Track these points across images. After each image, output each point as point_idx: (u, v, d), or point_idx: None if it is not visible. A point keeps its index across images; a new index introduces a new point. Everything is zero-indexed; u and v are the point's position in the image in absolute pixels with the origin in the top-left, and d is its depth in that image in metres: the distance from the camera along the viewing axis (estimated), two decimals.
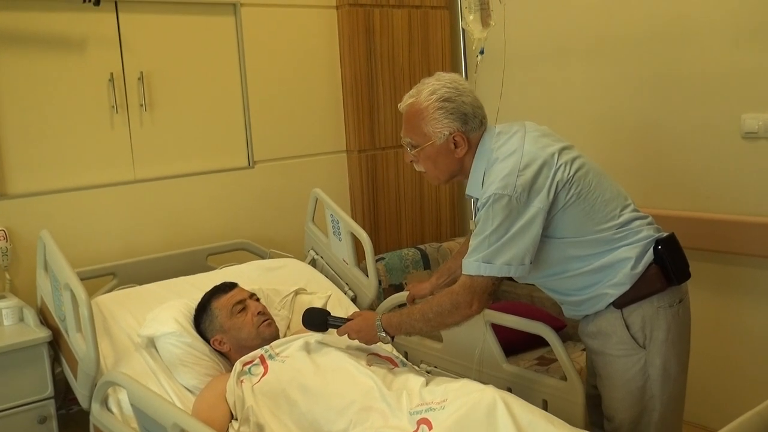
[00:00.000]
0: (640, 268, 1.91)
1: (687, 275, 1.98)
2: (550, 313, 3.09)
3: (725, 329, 2.81)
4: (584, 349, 2.84)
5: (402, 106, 2.02)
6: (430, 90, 1.95)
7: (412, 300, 2.46)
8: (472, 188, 2.02)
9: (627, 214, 1.97)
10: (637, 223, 1.97)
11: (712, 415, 2.85)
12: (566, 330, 2.95)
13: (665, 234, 1.98)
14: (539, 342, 2.77)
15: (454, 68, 3.63)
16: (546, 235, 1.91)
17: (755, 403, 2.67)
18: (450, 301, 1.93)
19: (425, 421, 1.76)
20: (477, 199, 2.00)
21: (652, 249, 1.93)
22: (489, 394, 1.71)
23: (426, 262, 3.31)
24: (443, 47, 3.58)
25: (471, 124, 1.96)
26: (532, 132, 1.99)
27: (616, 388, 1.98)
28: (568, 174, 1.90)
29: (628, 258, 1.92)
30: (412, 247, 3.35)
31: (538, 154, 1.90)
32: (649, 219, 2.02)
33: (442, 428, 1.67)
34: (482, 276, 1.88)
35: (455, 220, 3.73)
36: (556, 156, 1.91)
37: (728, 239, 2.73)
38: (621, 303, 1.93)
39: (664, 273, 1.92)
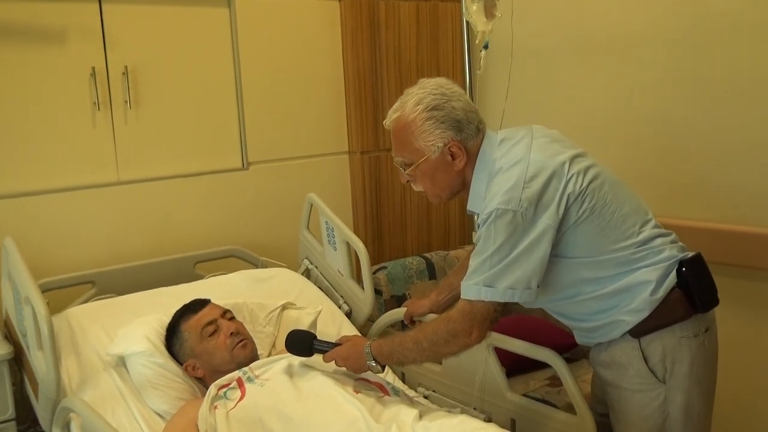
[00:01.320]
0: (661, 292, 1.72)
1: (715, 302, 1.79)
2: (561, 329, 2.89)
3: (754, 355, 2.58)
4: None
5: (387, 122, 1.86)
6: (414, 100, 1.78)
7: (410, 318, 2.30)
8: (473, 203, 1.82)
9: (647, 231, 1.77)
10: (659, 241, 1.77)
11: None
12: (578, 348, 2.76)
13: (690, 254, 1.79)
14: None
15: (465, 64, 3.44)
16: (555, 254, 1.71)
17: None
18: (446, 328, 1.74)
19: None
20: (479, 215, 1.80)
21: (675, 271, 1.74)
22: None
23: (431, 272, 3.12)
24: (454, 42, 3.38)
25: (467, 131, 1.77)
26: (540, 138, 1.79)
27: (632, 426, 1.80)
28: (581, 186, 1.70)
29: (648, 281, 1.72)
30: (417, 256, 3.17)
31: (547, 164, 1.70)
32: (673, 237, 1.82)
33: None
34: (483, 301, 1.69)
35: (465, 226, 3.54)
36: (566, 165, 1.72)
37: (759, 254, 2.50)
38: (639, 331, 1.74)
39: (688, 298, 1.73)
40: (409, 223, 3.35)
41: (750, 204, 2.56)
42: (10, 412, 2.07)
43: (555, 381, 2.68)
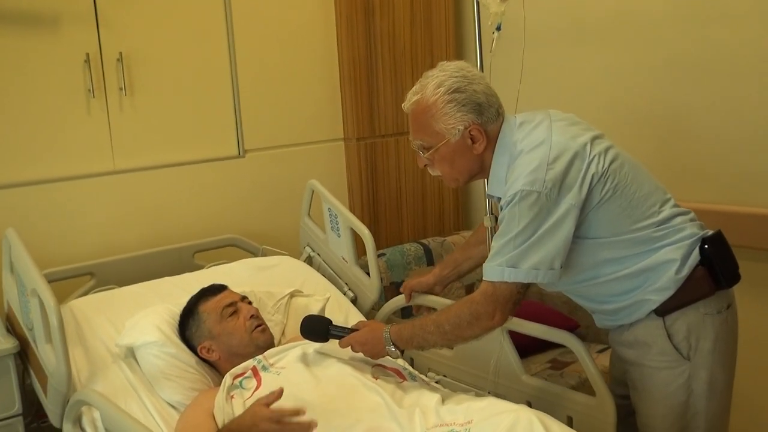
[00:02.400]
0: (686, 270, 1.72)
1: (737, 277, 1.79)
2: (561, 313, 2.91)
3: (756, 333, 2.60)
4: (601, 351, 2.68)
5: (406, 105, 1.81)
6: (436, 83, 1.74)
7: (410, 293, 2.26)
8: (493, 187, 1.81)
9: (667, 210, 1.77)
10: (680, 219, 1.77)
11: (758, 428, 2.67)
12: (580, 330, 2.77)
13: (711, 231, 1.79)
14: (550, 342, 2.58)
15: (459, 51, 3.45)
16: (578, 235, 1.70)
17: None
18: (469, 311, 1.72)
19: None
20: (499, 199, 1.78)
21: (698, 249, 1.73)
22: (524, 415, 1.49)
23: (429, 258, 3.11)
24: (447, 28, 3.37)
25: (487, 114, 1.75)
26: (559, 121, 1.78)
27: (656, 404, 1.79)
28: (603, 166, 1.69)
29: (673, 260, 1.72)
30: (415, 242, 3.16)
31: (569, 145, 1.69)
32: (692, 215, 1.82)
33: None
34: (506, 282, 1.68)
35: (459, 212, 3.53)
36: (588, 146, 1.71)
37: (762, 234, 2.53)
38: (664, 310, 1.74)
39: (712, 276, 1.73)
40: (405, 209, 3.33)
41: (758, 186, 2.57)
42: (17, 407, 2.02)
43: (557, 364, 2.69)
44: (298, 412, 1.59)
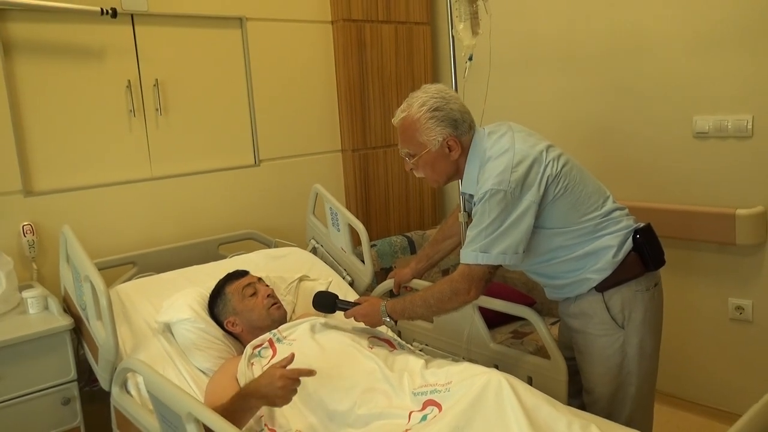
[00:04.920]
0: (621, 255, 1.73)
1: (663, 262, 1.79)
2: (521, 292, 2.91)
3: (677, 307, 2.63)
4: (553, 323, 2.68)
5: (395, 120, 1.79)
6: (420, 102, 1.73)
7: (398, 285, 2.26)
8: (467, 185, 1.80)
9: (608, 206, 1.78)
10: (617, 213, 1.78)
11: (679, 384, 2.71)
12: (536, 306, 2.77)
13: (642, 224, 1.79)
14: (512, 317, 2.58)
15: (435, 77, 3.44)
16: (536, 226, 1.70)
17: (708, 368, 2.50)
18: (450, 288, 1.72)
19: (433, 403, 1.53)
20: (471, 195, 1.78)
21: (631, 238, 1.74)
22: (495, 377, 1.49)
23: (412, 248, 3.10)
24: (425, 58, 3.36)
25: (461, 128, 1.75)
26: (519, 132, 1.78)
27: (596, 365, 1.80)
28: (556, 169, 1.70)
29: (611, 246, 1.72)
30: (400, 235, 3.14)
31: (529, 152, 1.69)
32: (627, 210, 1.83)
33: (455, 411, 1.43)
34: (479, 265, 1.68)
35: (436, 209, 3.52)
36: (544, 153, 1.71)
37: (678, 226, 2.55)
38: (602, 287, 1.74)
39: (642, 260, 1.74)
40: (391, 208, 3.31)
41: (671, 187, 2.60)
42: (73, 373, 1.99)
43: (517, 334, 2.68)
44: (310, 373, 1.58)
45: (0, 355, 1.86)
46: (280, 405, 1.54)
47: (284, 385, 1.52)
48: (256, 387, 1.58)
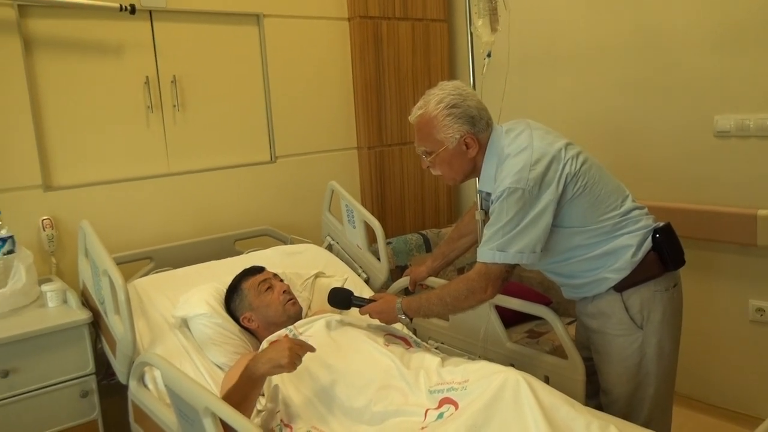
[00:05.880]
0: (640, 255, 1.71)
1: (682, 262, 1.78)
2: (537, 291, 2.90)
3: (697, 308, 2.61)
4: (569, 323, 2.67)
5: (412, 118, 1.79)
6: (437, 99, 1.73)
7: (414, 283, 2.27)
8: (484, 183, 1.80)
9: (627, 205, 1.77)
10: (636, 212, 1.77)
11: (699, 386, 2.69)
12: (552, 306, 2.76)
13: (662, 223, 1.78)
14: (528, 316, 2.57)
15: (452, 74, 3.43)
16: (554, 225, 1.69)
17: (728, 370, 2.47)
18: (466, 286, 1.72)
19: (449, 401, 1.53)
20: (488, 194, 1.78)
21: (650, 237, 1.73)
22: (512, 376, 1.48)
23: (428, 246, 3.09)
24: (442, 55, 3.36)
25: (479, 125, 1.74)
26: (538, 129, 1.77)
27: (614, 365, 1.79)
28: (575, 168, 1.69)
29: (630, 245, 1.71)
30: (416, 233, 3.13)
31: (548, 150, 1.68)
32: (646, 209, 1.82)
33: (472, 409, 1.43)
34: (496, 263, 1.67)
35: (451, 208, 3.52)
36: (563, 151, 1.70)
37: (698, 226, 2.53)
38: (621, 287, 1.73)
39: (661, 259, 1.72)
40: (407, 206, 3.31)
41: (693, 187, 2.58)
42: (91, 367, 2.01)
43: (533, 333, 2.67)
44: (311, 348, 1.62)
45: (19, 347, 1.88)
46: (284, 367, 1.55)
47: (290, 347, 1.56)
48: (263, 352, 1.62)
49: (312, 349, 1.62)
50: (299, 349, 1.58)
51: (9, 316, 2.00)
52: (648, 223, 1.75)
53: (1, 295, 2.01)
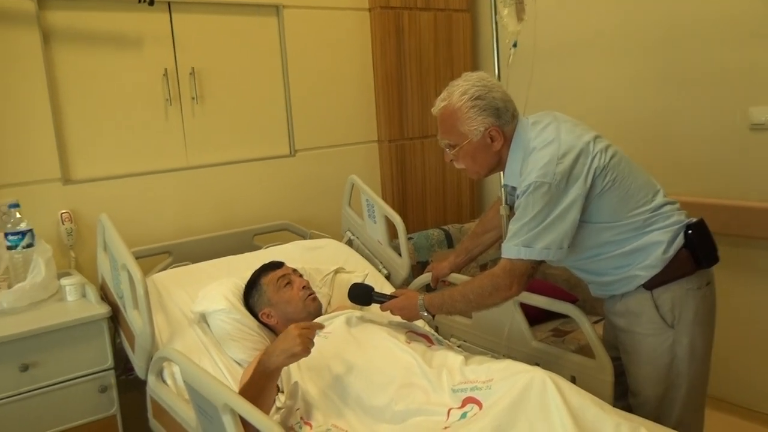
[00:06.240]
0: (671, 251, 1.69)
1: (716, 259, 1.75)
2: (563, 289, 2.87)
3: (732, 307, 2.56)
4: (596, 322, 2.64)
5: (435, 110, 1.77)
6: (461, 91, 1.71)
7: (436, 279, 2.26)
8: (509, 177, 1.78)
9: (658, 200, 1.74)
10: (668, 208, 1.74)
11: (734, 389, 2.64)
12: (578, 304, 2.72)
13: (694, 219, 1.75)
14: (553, 314, 2.54)
15: (475, 65, 3.41)
16: (582, 220, 1.67)
17: (763, 372, 2.43)
18: (490, 283, 1.70)
19: (473, 400, 1.52)
20: (513, 188, 1.76)
21: (682, 233, 1.70)
22: (539, 375, 1.46)
23: (449, 241, 3.08)
24: (465, 46, 3.33)
25: (504, 117, 1.72)
26: (565, 122, 1.75)
27: (644, 365, 1.76)
28: (604, 161, 1.66)
29: (660, 242, 1.69)
30: (437, 228, 3.12)
31: (575, 143, 1.66)
32: (678, 205, 1.78)
33: (497, 409, 1.42)
34: (522, 260, 1.65)
35: (474, 203, 3.49)
36: (591, 144, 1.68)
37: (732, 222, 2.48)
38: (651, 285, 1.70)
39: (693, 257, 1.69)
40: (428, 200, 3.30)
41: (726, 182, 2.53)
42: (110, 362, 2.02)
43: (558, 332, 2.65)
44: (320, 326, 1.67)
45: (38, 341, 1.90)
46: (298, 355, 1.57)
47: (301, 333, 1.57)
48: (274, 345, 1.63)
49: (321, 327, 1.65)
50: (309, 332, 1.59)
51: (28, 310, 2.03)
52: (680, 218, 1.72)
53: (21, 289, 2.04)
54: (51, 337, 1.92)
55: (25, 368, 1.89)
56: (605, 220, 1.68)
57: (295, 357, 1.57)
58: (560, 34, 2.98)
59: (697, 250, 1.69)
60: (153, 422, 1.95)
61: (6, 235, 2.11)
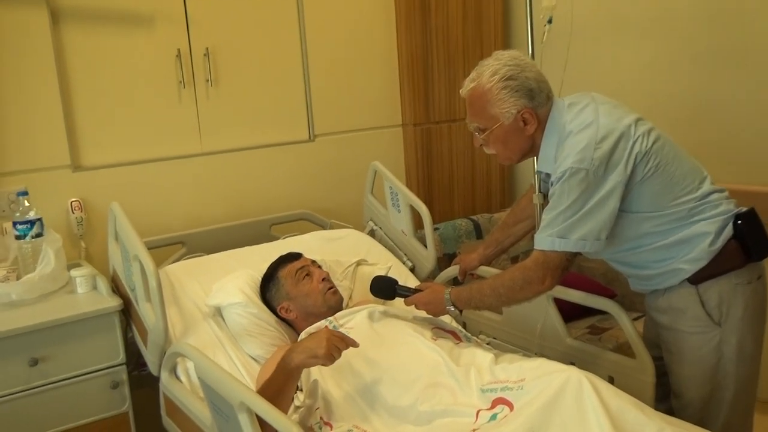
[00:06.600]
0: (719, 243, 1.66)
1: (767, 251, 1.71)
2: (600, 283, 2.84)
3: None
4: (637, 318, 2.62)
5: (464, 91, 1.76)
6: (491, 71, 1.69)
7: (464, 272, 2.25)
8: (543, 164, 1.76)
9: (705, 187, 1.71)
10: (716, 196, 1.71)
11: None
12: (617, 299, 2.70)
13: (745, 208, 1.72)
14: (589, 310, 2.52)
15: (506, 44, 3.37)
16: (621, 209, 1.65)
17: None
18: (522, 276, 1.69)
19: (503, 401, 1.51)
20: (547, 175, 1.74)
21: (731, 224, 1.67)
22: (575, 375, 1.45)
23: (478, 232, 3.06)
24: (495, 23, 3.30)
25: (538, 99, 1.70)
26: (604, 104, 1.72)
27: (688, 365, 1.74)
28: (646, 146, 1.64)
29: (707, 233, 1.66)
30: (465, 218, 3.11)
31: (615, 126, 1.64)
32: (726, 193, 1.76)
33: (529, 411, 1.41)
34: (556, 251, 1.64)
35: (504, 191, 3.47)
36: (632, 127, 1.65)
37: None
38: (697, 279, 1.68)
39: (743, 248, 1.66)
40: (456, 188, 3.29)
41: None
42: (121, 357, 2.05)
43: (595, 329, 2.63)
44: (354, 343, 1.62)
45: (48, 335, 1.93)
46: (319, 358, 1.56)
47: (329, 338, 1.57)
48: (300, 342, 1.63)
49: (355, 344, 1.62)
50: (338, 342, 1.58)
51: (37, 302, 2.06)
52: (729, 208, 1.70)
53: (30, 281, 2.07)
54: (61, 331, 1.95)
55: (34, 363, 1.92)
56: (647, 210, 1.66)
57: (316, 359, 1.57)
58: (599, 9, 2.93)
59: (747, 241, 1.66)
60: (166, 420, 1.97)
61: (14, 224, 2.14)
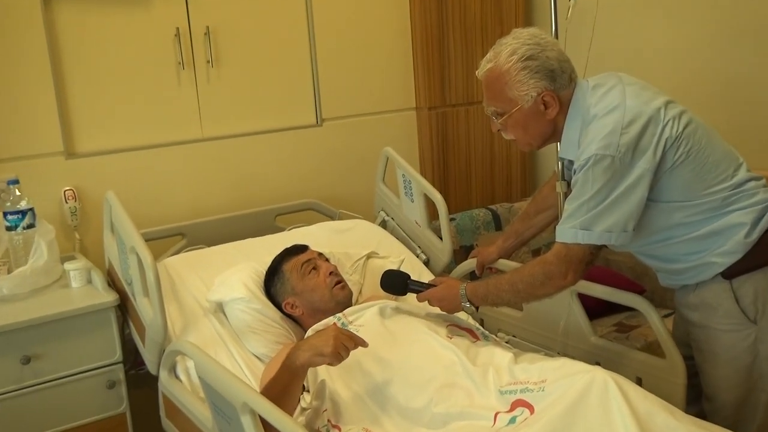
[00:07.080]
0: (756, 235, 1.66)
1: None
2: (628, 278, 2.84)
3: None
4: (667, 315, 2.61)
5: (480, 73, 1.76)
6: (509, 51, 1.69)
7: (481, 266, 2.26)
8: (565, 150, 1.76)
9: (740, 175, 1.71)
10: (752, 184, 1.71)
11: None
12: (646, 295, 2.69)
13: None
14: (616, 306, 2.52)
15: (528, 21, 3.36)
16: (650, 198, 1.65)
17: None
18: (542, 271, 1.70)
19: (523, 403, 1.52)
20: (570, 161, 1.74)
21: None
22: (600, 376, 1.45)
23: (497, 223, 3.07)
24: (516, 0, 3.29)
25: (560, 80, 1.70)
26: (632, 85, 1.72)
27: (721, 366, 1.74)
28: (677, 131, 1.63)
29: (742, 224, 1.66)
30: (483, 208, 3.12)
31: (643, 110, 1.63)
32: (764, 180, 1.75)
33: (551, 414, 1.42)
34: (579, 244, 1.64)
35: (526, 179, 3.48)
36: (662, 111, 1.65)
37: None
38: (731, 273, 1.68)
39: None
40: (474, 176, 3.30)
41: None
42: (118, 355, 2.07)
43: (622, 327, 2.64)
44: (363, 343, 1.62)
45: (41, 332, 1.96)
46: (326, 357, 1.57)
47: (336, 335, 1.58)
48: (306, 339, 1.65)
49: (364, 344, 1.63)
50: (346, 340, 1.59)
51: (30, 297, 2.09)
52: (765, 196, 1.69)
53: (21, 274, 2.09)
54: (54, 327, 1.98)
55: (26, 361, 1.94)
56: (677, 199, 1.66)
57: (321, 358, 1.58)
58: None
59: None
60: (165, 422, 2.00)
61: (5, 214, 2.17)
